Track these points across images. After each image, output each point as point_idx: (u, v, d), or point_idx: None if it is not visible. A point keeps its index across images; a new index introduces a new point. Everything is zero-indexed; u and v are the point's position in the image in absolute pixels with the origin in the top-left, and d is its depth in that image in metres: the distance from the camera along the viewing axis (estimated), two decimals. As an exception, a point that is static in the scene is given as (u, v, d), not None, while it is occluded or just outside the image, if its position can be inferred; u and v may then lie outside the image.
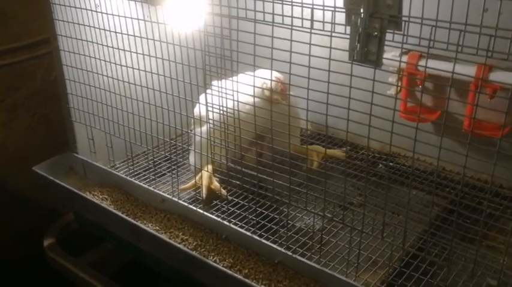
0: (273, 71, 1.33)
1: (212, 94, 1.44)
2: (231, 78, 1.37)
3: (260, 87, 1.57)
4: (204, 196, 1.62)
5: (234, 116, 1.40)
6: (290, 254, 1.34)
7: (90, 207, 1.70)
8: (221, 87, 1.40)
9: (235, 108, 1.40)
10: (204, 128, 1.59)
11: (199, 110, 1.60)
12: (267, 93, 1.58)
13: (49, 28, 1.68)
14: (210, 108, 1.46)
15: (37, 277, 2.35)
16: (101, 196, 1.72)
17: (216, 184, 1.66)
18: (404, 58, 1.61)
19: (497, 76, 1.45)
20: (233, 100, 1.39)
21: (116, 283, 1.75)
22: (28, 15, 2.16)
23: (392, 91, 1.73)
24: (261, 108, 1.37)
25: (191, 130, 1.69)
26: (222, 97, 1.42)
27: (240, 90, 1.38)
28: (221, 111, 1.43)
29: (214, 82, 1.41)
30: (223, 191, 1.64)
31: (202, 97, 1.52)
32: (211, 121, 1.48)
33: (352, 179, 1.56)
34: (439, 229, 1.43)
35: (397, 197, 1.52)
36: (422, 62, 1.62)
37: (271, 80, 1.53)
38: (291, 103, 1.56)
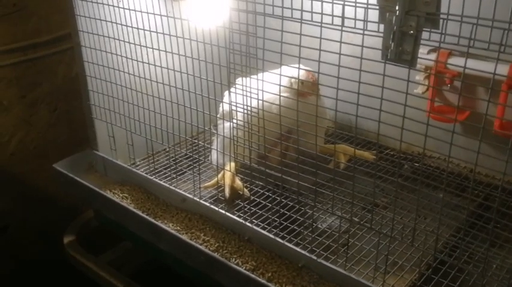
0: (303, 67, 1.28)
1: (236, 93, 1.40)
2: (256, 76, 1.34)
3: (290, 76, 1.49)
4: (227, 195, 1.59)
5: (258, 116, 1.36)
6: (314, 258, 1.30)
7: (110, 206, 1.68)
8: (247, 86, 1.36)
9: (261, 106, 1.36)
10: (227, 125, 1.55)
11: (224, 106, 1.57)
12: (295, 86, 1.53)
13: (70, 23, 1.66)
14: (235, 107, 1.43)
15: (56, 274, 2.34)
16: (121, 195, 1.70)
17: (238, 183, 1.63)
18: (432, 56, 1.56)
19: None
20: (258, 99, 1.35)
21: (136, 283, 1.73)
22: (49, 10, 2.15)
23: (419, 90, 1.68)
24: (287, 107, 1.33)
25: (213, 127, 1.66)
26: (247, 96, 1.38)
27: (267, 87, 1.34)
28: (246, 110, 1.40)
29: (239, 80, 1.37)
30: (246, 191, 1.61)
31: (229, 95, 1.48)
32: (237, 120, 1.44)
33: (377, 180, 1.52)
34: (467, 234, 1.38)
35: (424, 200, 1.47)
36: (451, 60, 1.57)
37: (298, 68, 1.47)
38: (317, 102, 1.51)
